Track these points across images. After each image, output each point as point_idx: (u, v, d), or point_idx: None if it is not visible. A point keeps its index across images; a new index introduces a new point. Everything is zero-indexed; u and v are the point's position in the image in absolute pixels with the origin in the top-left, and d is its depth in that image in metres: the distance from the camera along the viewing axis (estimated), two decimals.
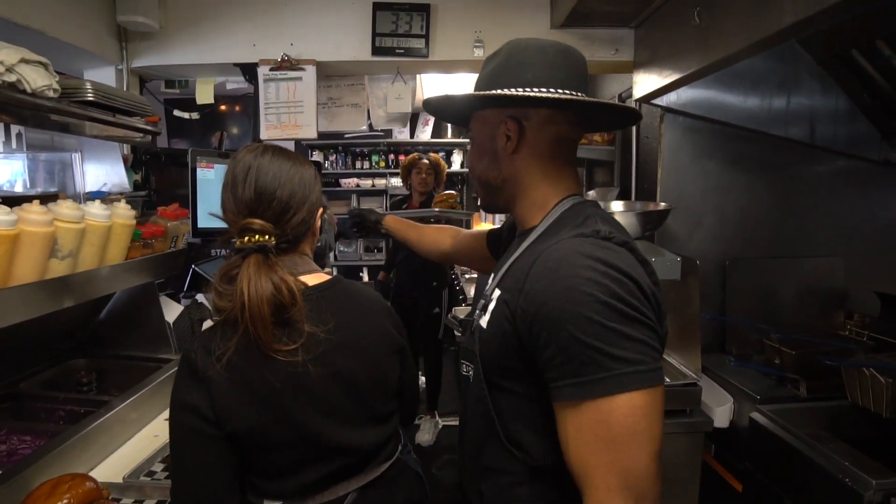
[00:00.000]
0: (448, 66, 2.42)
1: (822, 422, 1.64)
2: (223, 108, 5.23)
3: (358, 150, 5.05)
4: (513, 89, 0.81)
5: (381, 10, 2.22)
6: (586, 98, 0.82)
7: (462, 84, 3.45)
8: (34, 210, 1.15)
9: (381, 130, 4.68)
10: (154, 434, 1.55)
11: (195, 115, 2.52)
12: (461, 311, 3.17)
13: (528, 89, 0.80)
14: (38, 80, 1.27)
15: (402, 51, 2.24)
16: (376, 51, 2.24)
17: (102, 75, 2.20)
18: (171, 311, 2.02)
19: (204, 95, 2.45)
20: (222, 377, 0.82)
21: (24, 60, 1.24)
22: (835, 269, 2.21)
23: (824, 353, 1.70)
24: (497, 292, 0.81)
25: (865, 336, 1.91)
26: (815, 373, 1.75)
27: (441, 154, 5.01)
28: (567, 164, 0.88)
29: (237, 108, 5.54)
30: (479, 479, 0.84)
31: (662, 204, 2.03)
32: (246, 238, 0.84)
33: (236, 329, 0.82)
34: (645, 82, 2.20)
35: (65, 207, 1.26)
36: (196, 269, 2.40)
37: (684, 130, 2.25)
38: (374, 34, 2.23)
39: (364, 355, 0.94)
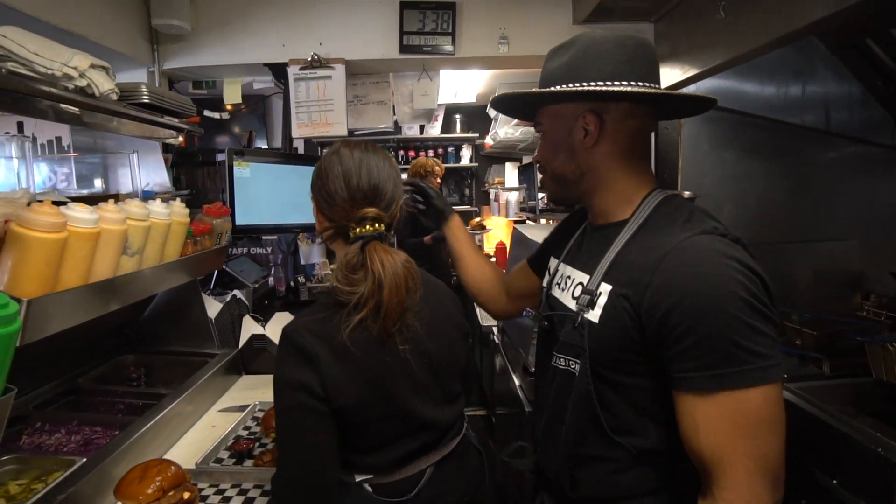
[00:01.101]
0: (473, 63, 2.48)
1: (847, 398, 1.71)
2: (235, 108, 5.23)
3: None
4: (595, 83, 0.82)
5: (408, 9, 2.26)
6: (675, 92, 0.85)
7: (479, 78, 3.50)
8: (110, 209, 1.20)
9: (392, 126, 4.71)
10: (212, 424, 1.61)
11: (225, 116, 2.56)
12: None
13: (611, 83, 0.82)
14: (104, 84, 1.32)
15: (429, 48, 2.28)
16: (404, 49, 2.29)
17: (135, 77, 2.24)
18: (212, 307, 2.07)
19: (232, 95, 2.49)
20: (330, 356, 0.87)
21: (92, 66, 1.28)
22: (851, 252, 2.28)
23: (853, 331, 1.78)
24: (606, 286, 0.82)
25: (883, 316, 1.98)
26: (838, 352, 1.83)
27: (451, 149, 5.06)
28: (644, 156, 0.91)
29: (243, 108, 5.55)
30: (575, 467, 0.86)
31: (687, 192, 2.09)
32: (367, 226, 0.92)
33: (355, 312, 0.88)
34: (665, 76, 2.26)
35: (133, 206, 1.31)
36: (226, 268, 2.45)
37: (703, 121, 2.32)
38: (402, 32, 2.27)
39: (443, 338, 1.03)
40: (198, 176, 2.60)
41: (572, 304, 0.88)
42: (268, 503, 1.19)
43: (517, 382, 1.88)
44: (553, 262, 1.05)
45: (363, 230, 0.92)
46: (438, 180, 3.22)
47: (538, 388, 1.04)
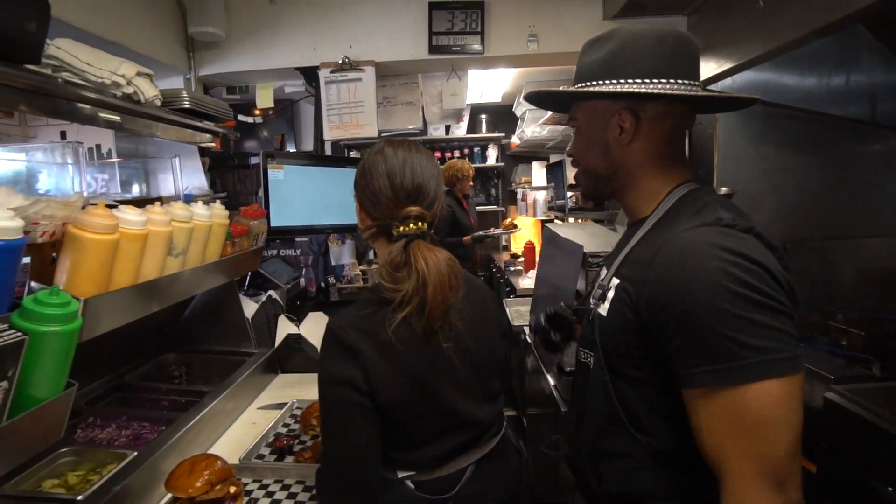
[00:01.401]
0: (502, 62, 2.47)
1: None
2: (263, 112, 5.34)
3: None
4: (633, 81, 0.81)
5: (437, 10, 2.27)
6: (714, 93, 0.83)
7: (505, 78, 3.49)
8: (157, 211, 1.24)
9: (418, 127, 4.74)
10: (252, 422, 1.65)
11: (258, 119, 2.61)
12: (512, 303, 3.24)
13: (649, 81, 0.81)
14: (148, 90, 1.36)
15: (458, 48, 2.29)
16: (433, 49, 2.30)
17: (173, 84, 2.31)
18: (248, 307, 2.12)
19: (264, 100, 2.54)
20: (374, 352, 0.88)
21: (138, 73, 1.33)
22: None
23: None
24: (615, 281, 0.83)
25: None
26: (889, 352, 1.75)
27: (477, 149, 5.06)
28: (679, 151, 0.89)
29: (271, 113, 5.67)
30: (598, 462, 0.86)
31: (724, 189, 2.04)
32: (411, 224, 0.93)
33: (399, 309, 0.89)
34: (700, 70, 2.21)
35: (177, 208, 1.35)
36: (259, 269, 2.50)
37: (740, 114, 2.25)
38: (431, 33, 2.28)
39: (483, 336, 1.03)
40: (231, 179, 2.67)
41: (592, 300, 0.90)
42: (311, 498, 1.21)
43: (552, 382, 1.86)
44: None
45: (406, 229, 0.93)
46: (470, 183, 3.31)
47: (572, 384, 1.04)
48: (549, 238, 2.26)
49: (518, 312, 3.22)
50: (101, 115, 1.29)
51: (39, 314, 0.82)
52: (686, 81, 0.82)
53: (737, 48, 1.96)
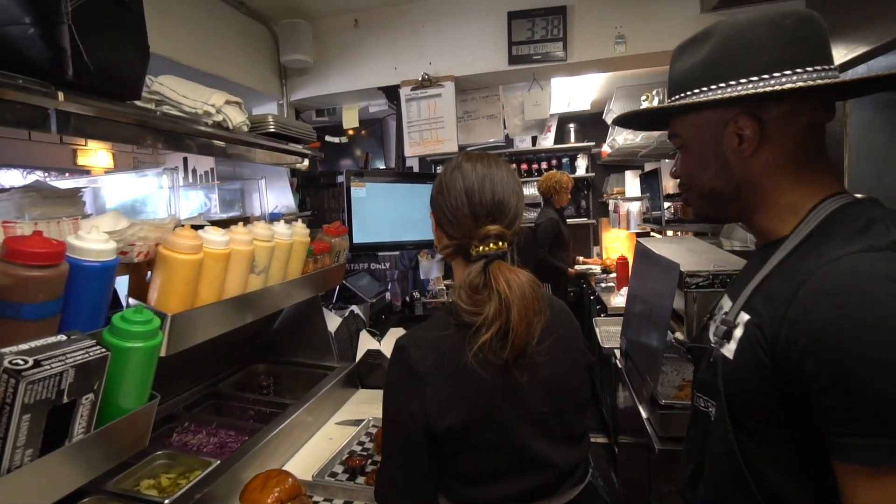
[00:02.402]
0: (586, 67, 2.35)
1: None
2: (356, 132, 5.63)
3: None
4: (745, 81, 0.69)
5: (516, 19, 2.22)
6: (863, 76, 0.68)
7: (593, 84, 3.33)
8: (239, 231, 1.30)
9: (500, 140, 4.69)
10: (329, 437, 1.67)
11: (344, 140, 2.73)
12: (602, 323, 3.03)
13: (768, 77, 0.68)
14: (236, 117, 1.45)
15: (540, 56, 2.21)
16: (513, 59, 2.24)
17: (269, 110, 2.48)
18: (332, 321, 2.18)
19: (350, 120, 2.64)
20: (441, 374, 0.83)
21: (227, 102, 1.42)
22: None
23: None
24: (744, 316, 0.70)
25: None
26: None
27: (565, 160, 4.89)
28: (819, 154, 0.73)
29: (363, 133, 5.96)
30: None
31: (858, 196, 1.73)
32: (490, 244, 0.88)
33: (480, 333, 0.82)
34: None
35: (260, 227, 1.41)
36: (346, 283, 2.58)
37: (877, 107, 1.91)
38: (510, 43, 2.23)
39: (563, 367, 0.94)
40: (321, 198, 2.80)
41: (713, 337, 0.76)
42: None
43: (644, 415, 1.68)
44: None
45: (486, 248, 0.88)
46: (568, 196, 3.26)
47: (688, 428, 0.90)
48: (642, 254, 2.08)
49: (608, 333, 3.00)
50: (194, 141, 1.39)
51: (125, 331, 0.87)
52: (818, 68, 0.68)
53: (873, 28, 1.66)
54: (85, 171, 3.14)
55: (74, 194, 1.20)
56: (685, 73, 0.76)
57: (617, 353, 2.41)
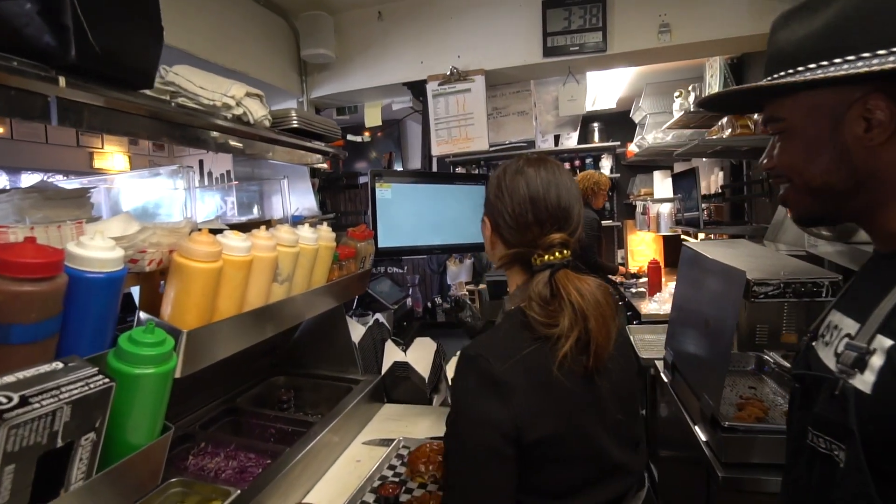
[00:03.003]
0: (627, 59, 2.19)
1: None
2: (372, 133, 5.52)
3: (501, 163, 4.96)
4: (885, 53, 0.56)
5: (551, 8, 2.07)
6: None
7: (621, 81, 3.17)
8: (262, 236, 1.17)
9: (525, 141, 4.54)
10: (356, 459, 1.53)
11: (367, 138, 2.60)
12: (636, 331, 2.86)
13: None
14: (257, 111, 1.32)
15: (577, 48, 2.06)
16: (548, 52, 2.09)
17: (285, 108, 2.36)
18: (355, 331, 2.05)
19: (372, 118, 2.52)
20: (526, 385, 0.79)
21: (248, 94, 1.29)
22: None
23: None
24: (884, 341, 0.58)
25: None
26: None
27: (588, 160, 4.72)
28: None
29: (379, 134, 5.85)
30: None
31: None
32: (556, 253, 0.85)
33: (559, 345, 0.79)
34: None
35: (283, 232, 1.28)
36: (367, 289, 2.45)
37: None
38: (545, 34, 2.08)
39: (626, 372, 0.94)
40: (342, 199, 2.67)
41: (832, 364, 0.64)
42: None
43: (702, 437, 1.52)
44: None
45: (551, 258, 0.85)
46: (606, 197, 3.17)
47: (789, 470, 0.77)
48: (691, 259, 1.91)
49: (644, 342, 2.83)
50: (217, 137, 1.27)
51: (133, 354, 0.74)
52: None
53: None
54: (101, 175, 3.06)
55: (82, 195, 1.08)
56: (797, 44, 0.64)
57: (659, 364, 2.24)
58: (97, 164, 3.21)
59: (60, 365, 0.65)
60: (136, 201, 1.84)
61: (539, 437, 0.79)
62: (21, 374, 0.60)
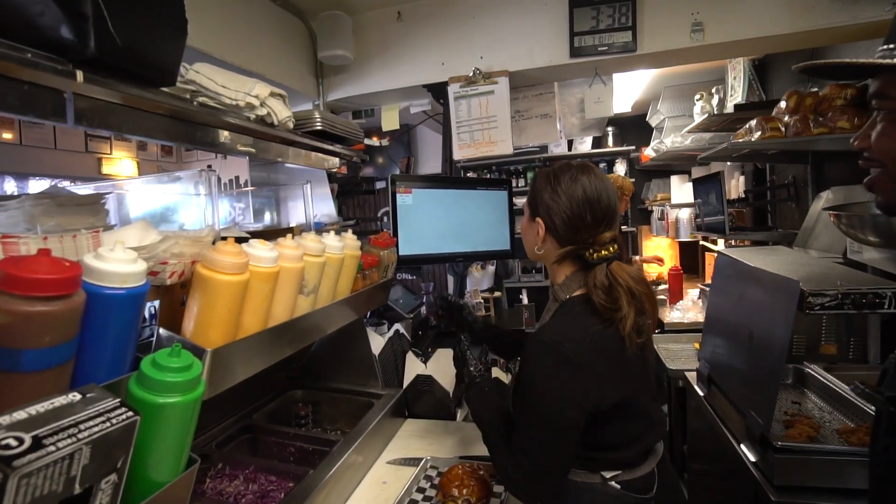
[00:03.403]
0: (658, 60, 2.10)
1: None
2: (380, 139, 5.44)
3: (512, 167, 4.87)
4: None
5: (578, 6, 1.99)
6: None
7: (638, 84, 3.08)
8: (288, 245, 1.09)
9: (537, 146, 4.46)
10: (382, 480, 1.44)
11: (384, 142, 2.53)
12: (659, 341, 2.76)
13: None
14: (282, 111, 1.25)
15: (605, 48, 1.98)
16: (575, 52, 2.01)
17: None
18: (375, 342, 1.96)
19: (389, 122, 2.44)
20: (601, 363, 0.94)
21: (271, 94, 1.21)
22: None
23: None
24: None
25: None
26: None
27: (602, 165, 4.64)
28: None
29: (388, 139, 5.77)
30: None
31: None
32: (611, 248, 0.99)
33: (622, 324, 0.94)
34: None
35: (309, 240, 1.20)
36: None
37: None
38: (572, 34, 2.00)
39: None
40: (351, 204, 2.59)
41: None
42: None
43: (750, 458, 1.42)
44: None
45: (607, 252, 0.99)
46: (628, 203, 3.14)
47: (878, 497, 0.70)
48: (727, 267, 1.82)
49: (669, 352, 2.73)
50: (236, 140, 1.19)
51: (158, 382, 0.66)
52: None
53: None
54: (110, 180, 3.00)
55: (96, 201, 1.00)
56: None
57: (690, 376, 2.14)
58: (105, 169, 3.16)
59: (78, 396, 0.57)
60: (145, 207, 1.77)
61: (607, 405, 0.95)
62: (34, 409, 0.52)
